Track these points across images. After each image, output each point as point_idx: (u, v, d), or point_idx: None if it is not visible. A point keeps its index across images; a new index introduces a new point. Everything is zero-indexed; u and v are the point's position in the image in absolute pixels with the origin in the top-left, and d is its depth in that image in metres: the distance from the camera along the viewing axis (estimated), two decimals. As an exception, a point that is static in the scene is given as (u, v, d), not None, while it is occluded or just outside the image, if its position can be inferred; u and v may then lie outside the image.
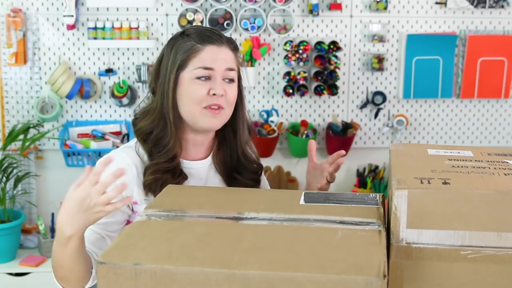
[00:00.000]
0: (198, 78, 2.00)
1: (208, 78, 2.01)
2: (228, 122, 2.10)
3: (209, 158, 2.15)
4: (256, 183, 2.19)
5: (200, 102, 2.00)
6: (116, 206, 1.67)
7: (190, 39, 2.03)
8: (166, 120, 2.04)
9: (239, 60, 2.12)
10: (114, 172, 1.67)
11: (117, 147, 3.93)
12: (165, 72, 2.04)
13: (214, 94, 2.00)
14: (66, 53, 4.07)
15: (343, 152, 2.17)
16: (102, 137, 4.05)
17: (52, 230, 4.03)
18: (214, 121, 2.03)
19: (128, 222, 2.05)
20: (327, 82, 4.14)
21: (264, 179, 2.30)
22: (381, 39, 4.21)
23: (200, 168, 2.13)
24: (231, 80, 2.06)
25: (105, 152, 3.86)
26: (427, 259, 1.47)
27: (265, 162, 4.12)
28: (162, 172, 2.02)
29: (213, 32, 2.06)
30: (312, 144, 2.23)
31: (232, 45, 2.08)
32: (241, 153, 2.15)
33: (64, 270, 1.80)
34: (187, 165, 2.10)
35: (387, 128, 4.32)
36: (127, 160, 2.03)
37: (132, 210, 2.03)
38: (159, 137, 2.04)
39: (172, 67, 2.02)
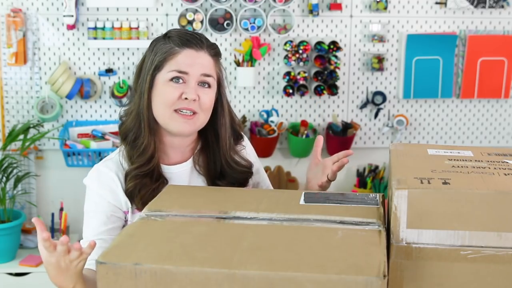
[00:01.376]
0: (172, 80, 1.99)
1: (182, 81, 1.99)
2: (210, 128, 2.10)
3: (190, 161, 2.13)
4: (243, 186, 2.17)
5: (171, 105, 1.99)
6: (88, 252, 1.66)
7: (170, 41, 2.02)
8: (141, 121, 2.03)
9: (221, 66, 2.09)
10: (61, 240, 1.65)
11: (117, 147, 3.96)
12: (144, 73, 2.04)
13: (186, 98, 1.98)
14: (66, 53, 4.07)
15: (351, 152, 2.13)
16: (102, 137, 4.05)
17: (52, 230, 4.02)
18: (185, 126, 2.01)
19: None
20: (327, 82, 4.14)
21: (263, 176, 2.30)
22: (381, 39, 4.21)
23: (181, 172, 2.11)
24: (207, 86, 2.02)
25: (104, 152, 3.90)
26: (427, 259, 1.47)
27: (265, 162, 4.13)
28: (141, 177, 2.01)
29: (194, 36, 2.03)
30: (320, 140, 2.20)
31: (213, 50, 2.05)
32: (224, 162, 2.11)
33: None
34: (167, 169, 2.09)
35: (387, 128, 4.32)
36: (109, 174, 2.04)
37: (125, 219, 2.04)
38: (135, 137, 2.04)
39: (149, 68, 2.02)
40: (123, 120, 2.11)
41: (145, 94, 2.02)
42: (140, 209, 1.99)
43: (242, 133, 2.22)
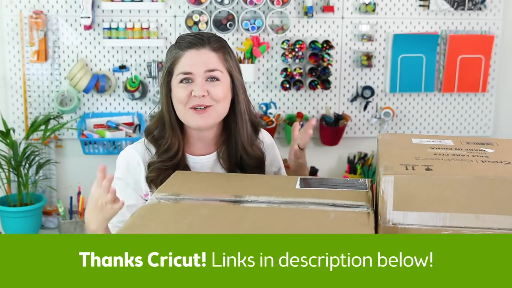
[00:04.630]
0: (182, 82, 1.97)
1: (190, 81, 1.97)
2: (231, 116, 2.05)
3: (214, 153, 2.09)
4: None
5: (185, 104, 1.97)
6: (121, 205, 1.72)
7: (175, 47, 2.00)
8: (164, 123, 2.03)
9: (228, 58, 2.03)
10: (108, 177, 1.73)
11: (130, 136, 3.97)
12: (161, 80, 2.04)
13: (195, 96, 1.96)
14: (83, 51, 4.06)
15: (314, 122, 2.20)
16: (116, 127, 4.04)
17: (71, 212, 4.03)
18: (200, 120, 1.98)
19: None
20: (320, 78, 4.13)
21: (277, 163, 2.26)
22: (369, 39, 4.20)
23: (205, 163, 2.08)
24: (216, 79, 1.98)
25: (118, 141, 3.90)
26: (411, 238, 1.46)
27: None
28: (165, 170, 2.00)
29: (195, 37, 2.00)
30: (295, 126, 2.24)
31: (216, 45, 2.00)
32: (243, 151, 2.06)
33: None
34: (192, 159, 2.07)
35: (375, 119, 4.32)
36: (136, 156, 2.04)
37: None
38: (158, 137, 2.04)
39: (163, 76, 2.01)
40: (150, 120, 2.12)
41: (164, 99, 2.02)
42: None
43: (260, 128, 2.17)
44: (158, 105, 2.10)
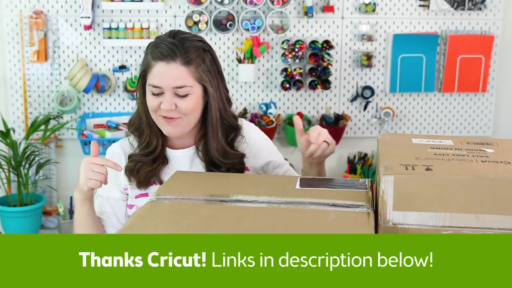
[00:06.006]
0: (151, 92, 1.97)
1: (159, 93, 1.95)
2: (207, 122, 2.04)
3: (193, 147, 2.09)
4: (238, 171, 2.11)
5: (155, 112, 1.98)
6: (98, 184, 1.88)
7: (148, 53, 1.97)
8: (142, 121, 2.07)
9: (201, 68, 1.97)
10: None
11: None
12: (137, 81, 2.06)
13: (162, 109, 1.96)
14: (83, 51, 4.06)
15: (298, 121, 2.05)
16: (116, 127, 4.04)
17: (71, 212, 4.03)
18: (169, 128, 1.99)
19: (129, 206, 2.09)
20: (320, 78, 4.14)
21: (287, 168, 2.23)
22: (369, 39, 4.20)
23: (183, 156, 2.09)
24: (184, 95, 1.95)
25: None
26: (411, 239, 1.46)
27: (264, 150, 4.12)
28: (144, 161, 2.05)
29: (168, 47, 1.93)
30: (297, 119, 2.07)
31: (186, 59, 1.93)
32: (215, 159, 2.05)
33: (82, 230, 1.99)
34: (170, 153, 2.09)
35: (375, 119, 4.32)
36: (119, 151, 2.11)
37: (126, 194, 2.10)
38: (139, 129, 2.09)
39: (139, 77, 2.02)
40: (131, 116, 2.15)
41: (140, 100, 2.04)
42: (138, 186, 2.05)
43: (240, 124, 2.12)
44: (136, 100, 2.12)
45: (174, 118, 1.97)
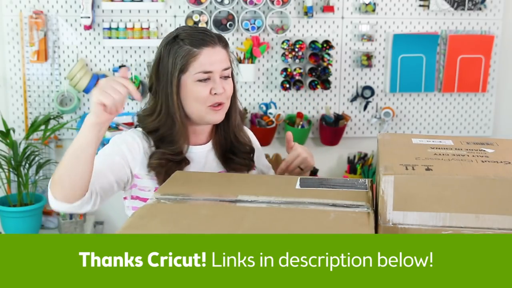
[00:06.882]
0: (200, 80, 2.00)
1: (208, 79, 2.00)
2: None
3: (210, 143, 2.15)
4: (251, 162, 2.18)
5: (205, 102, 2.01)
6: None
7: (185, 43, 2.00)
8: (174, 120, 2.04)
9: (231, 56, 2.10)
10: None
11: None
12: (166, 76, 2.02)
13: (215, 94, 2.00)
14: (83, 51, 4.06)
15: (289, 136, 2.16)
16: (116, 127, 4.04)
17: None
18: (218, 116, 2.04)
19: (133, 186, 2.07)
20: (320, 78, 4.14)
21: (264, 162, 2.31)
22: (369, 39, 4.20)
23: (200, 153, 2.12)
24: (227, 77, 2.05)
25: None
26: (411, 239, 1.46)
27: (264, 150, 4.11)
28: (167, 160, 2.03)
29: (205, 34, 2.03)
30: (289, 135, 2.19)
31: (223, 42, 2.06)
32: (233, 137, 2.14)
33: (68, 167, 1.80)
34: (189, 149, 2.10)
35: (375, 119, 4.32)
36: (137, 140, 2.06)
37: (134, 181, 2.06)
38: (167, 134, 2.05)
39: (173, 71, 2.00)
40: (142, 119, 2.12)
41: (173, 96, 2.01)
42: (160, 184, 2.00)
43: (244, 116, 2.26)
44: (149, 101, 2.12)
45: (222, 104, 2.04)
